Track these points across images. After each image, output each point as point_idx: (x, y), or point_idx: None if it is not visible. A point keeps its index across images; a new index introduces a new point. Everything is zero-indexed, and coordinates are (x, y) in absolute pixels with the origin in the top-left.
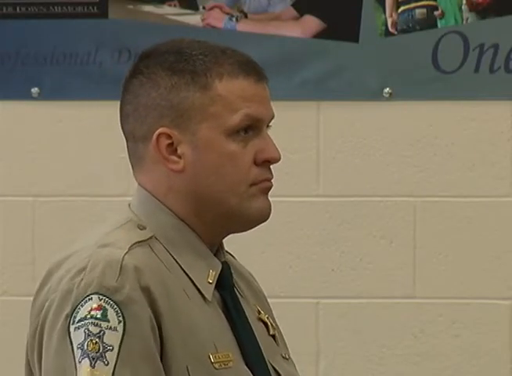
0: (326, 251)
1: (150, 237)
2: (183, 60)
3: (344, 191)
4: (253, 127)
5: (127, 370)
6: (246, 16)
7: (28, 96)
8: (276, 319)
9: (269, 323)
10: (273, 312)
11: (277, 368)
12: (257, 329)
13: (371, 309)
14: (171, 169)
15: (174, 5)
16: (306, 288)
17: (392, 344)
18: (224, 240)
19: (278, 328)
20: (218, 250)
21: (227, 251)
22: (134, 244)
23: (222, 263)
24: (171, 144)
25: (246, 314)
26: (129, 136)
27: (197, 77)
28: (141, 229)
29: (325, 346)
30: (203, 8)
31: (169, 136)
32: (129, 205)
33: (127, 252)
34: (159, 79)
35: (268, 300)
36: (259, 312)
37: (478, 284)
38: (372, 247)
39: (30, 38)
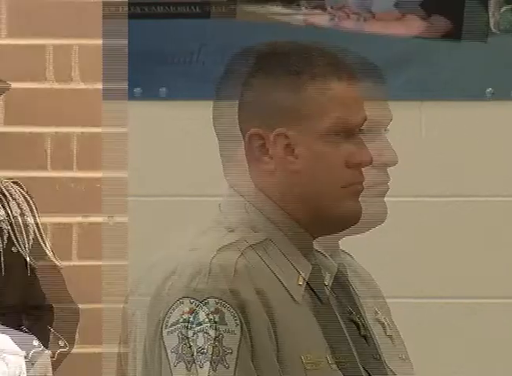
0: None
1: (238, 240)
2: (277, 62)
3: None
4: (344, 130)
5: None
6: (374, 17)
7: None
8: None
9: (360, 324)
10: None
11: (368, 370)
12: (348, 330)
13: None
14: (262, 170)
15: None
16: None
17: None
18: None
19: (394, 328)
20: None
21: (344, 251)
22: (222, 247)
23: (312, 264)
24: (263, 144)
25: (337, 315)
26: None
27: (291, 79)
28: (229, 232)
29: None
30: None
31: (261, 137)
32: (219, 206)
33: (215, 255)
34: (253, 80)
35: None
36: (350, 313)
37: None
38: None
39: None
